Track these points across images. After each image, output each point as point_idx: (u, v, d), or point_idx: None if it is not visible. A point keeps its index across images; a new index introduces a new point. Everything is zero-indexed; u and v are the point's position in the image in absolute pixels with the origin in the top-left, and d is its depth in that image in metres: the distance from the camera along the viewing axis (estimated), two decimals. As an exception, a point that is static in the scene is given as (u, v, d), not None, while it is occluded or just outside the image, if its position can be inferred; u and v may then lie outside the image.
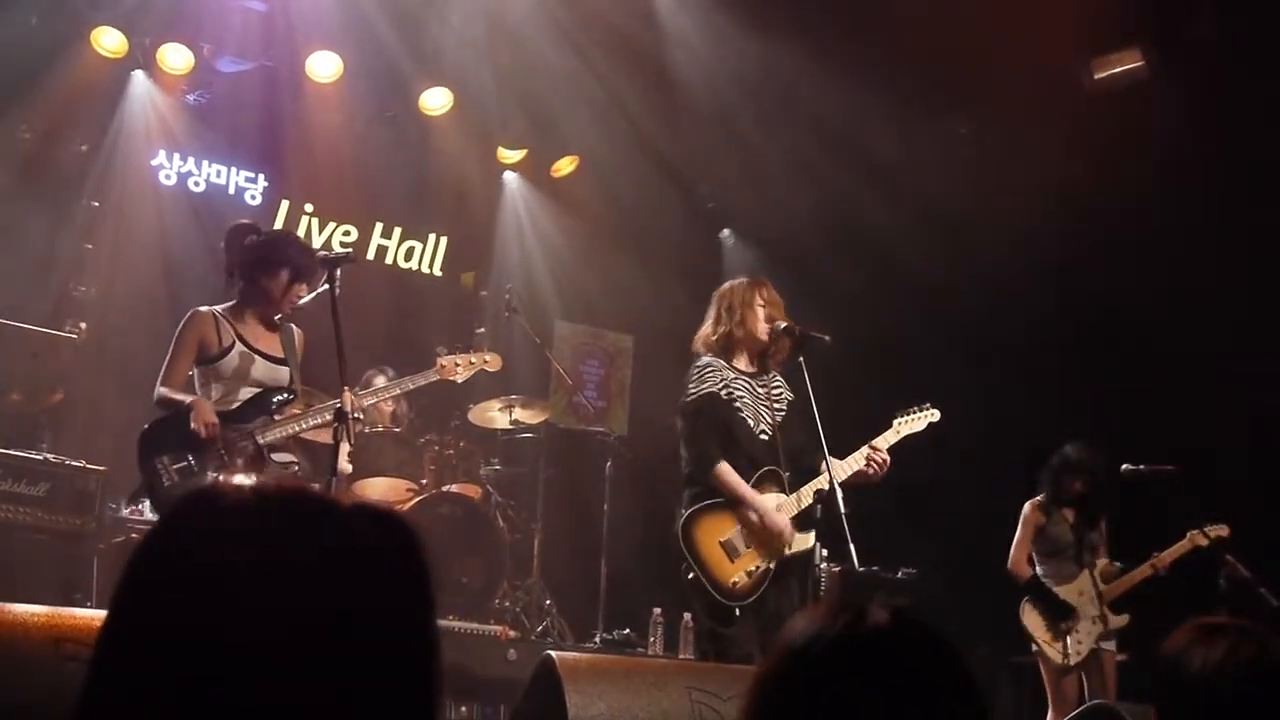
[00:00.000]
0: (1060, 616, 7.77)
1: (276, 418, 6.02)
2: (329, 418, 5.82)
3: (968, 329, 9.86)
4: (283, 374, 6.12)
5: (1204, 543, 7.65)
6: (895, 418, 6.29)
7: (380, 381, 8.91)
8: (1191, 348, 8.79)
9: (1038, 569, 7.96)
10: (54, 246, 9.11)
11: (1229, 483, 8.18)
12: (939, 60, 9.49)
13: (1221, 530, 7.67)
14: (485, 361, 6.58)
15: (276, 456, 6.02)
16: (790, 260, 10.27)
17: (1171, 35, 9.20)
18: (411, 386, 6.52)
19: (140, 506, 6.32)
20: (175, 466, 5.82)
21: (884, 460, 6.07)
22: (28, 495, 7.16)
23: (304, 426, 6.05)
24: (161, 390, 5.96)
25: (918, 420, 6.32)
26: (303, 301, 6.48)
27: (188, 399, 5.91)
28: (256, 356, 6.07)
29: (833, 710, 1.46)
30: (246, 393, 6.04)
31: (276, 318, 6.17)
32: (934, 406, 6.36)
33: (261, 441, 5.95)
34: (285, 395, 6.08)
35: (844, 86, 9.54)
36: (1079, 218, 9.59)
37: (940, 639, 1.50)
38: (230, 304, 6.15)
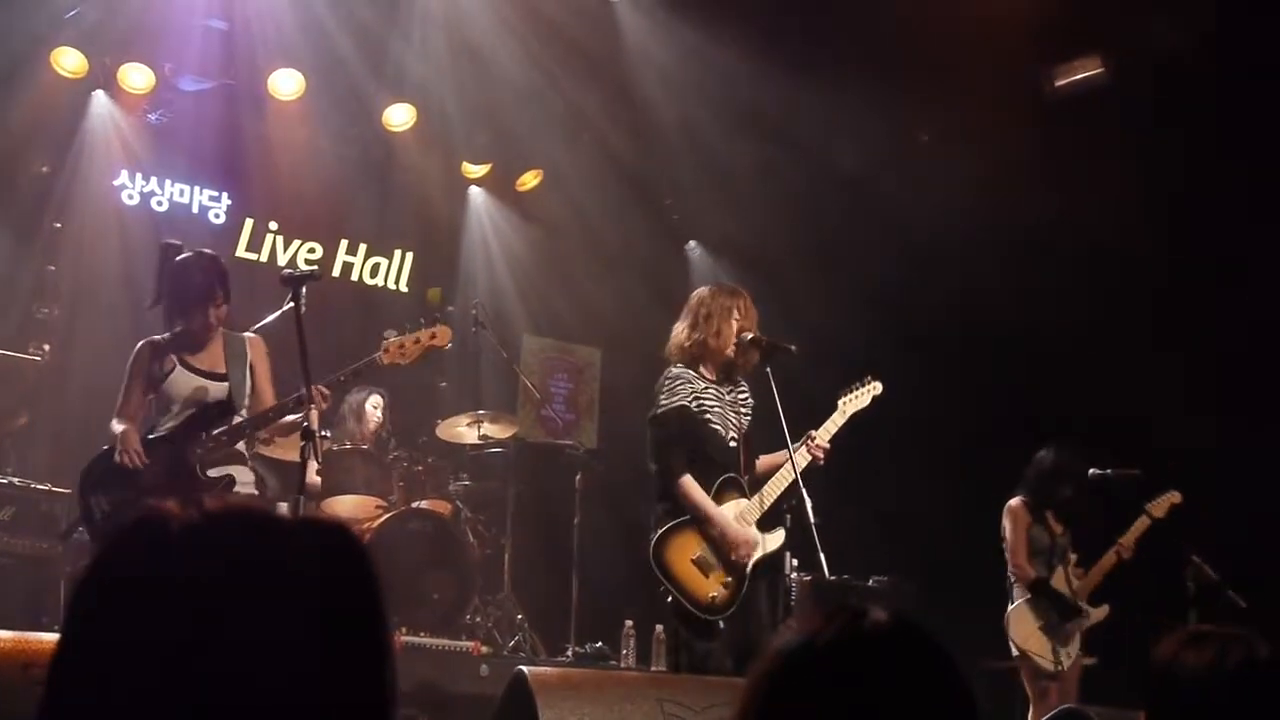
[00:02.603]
0: (1064, 618, 7.82)
1: (211, 433, 6.03)
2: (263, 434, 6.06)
3: (934, 336, 9.91)
4: (222, 389, 6.12)
5: (1161, 515, 7.75)
6: (839, 398, 6.31)
7: (374, 401, 8.90)
8: (1163, 347, 8.85)
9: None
10: (16, 268, 9.06)
11: (1196, 483, 8.23)
12: (900, 69, 9.56)
13: (1174, 497, 7.77)
14: (433, 337, 6.34)
15: (212, 473, 6.01)
16: (756, 270, 10.30)
17: (1132, 41, 9.27)
18: (361, 374, 6.38)
19: (80, 536, 6.29)
20: (109, 499, 5.85)
21: (823, 449, 6.07)
22: (-8, 519, 7.13)
23: (239, 439, 6.06)
24: (112, 423, 6.03)
25: (861, 396, 6.33)
26: (268, 320, 6.49)
27: (117, 429, 5.94)
28: (196, 376, 6.11)
29: (831, 713, 1.46)
30: (188, 413, 6.05)
31: (215, 334, 6.21)
32: (876, 379, 6.38)
33: (193, 461, 5.95)
34: (221, 411, 6.08)
35: (807, 97, 9.58)
36: (1041, 223, 9.65)
37: (938, 642, 1.51)
38: (169, 331, 6.20)
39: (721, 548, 5.95)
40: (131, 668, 1.18)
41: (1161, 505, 7.83)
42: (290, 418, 6.01)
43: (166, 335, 6.20)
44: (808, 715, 1.46)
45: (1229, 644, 2.24)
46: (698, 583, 5.93)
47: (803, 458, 6.00)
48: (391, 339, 6.30)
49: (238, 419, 6.10)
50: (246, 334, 6.33)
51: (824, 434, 6.13)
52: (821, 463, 6.06)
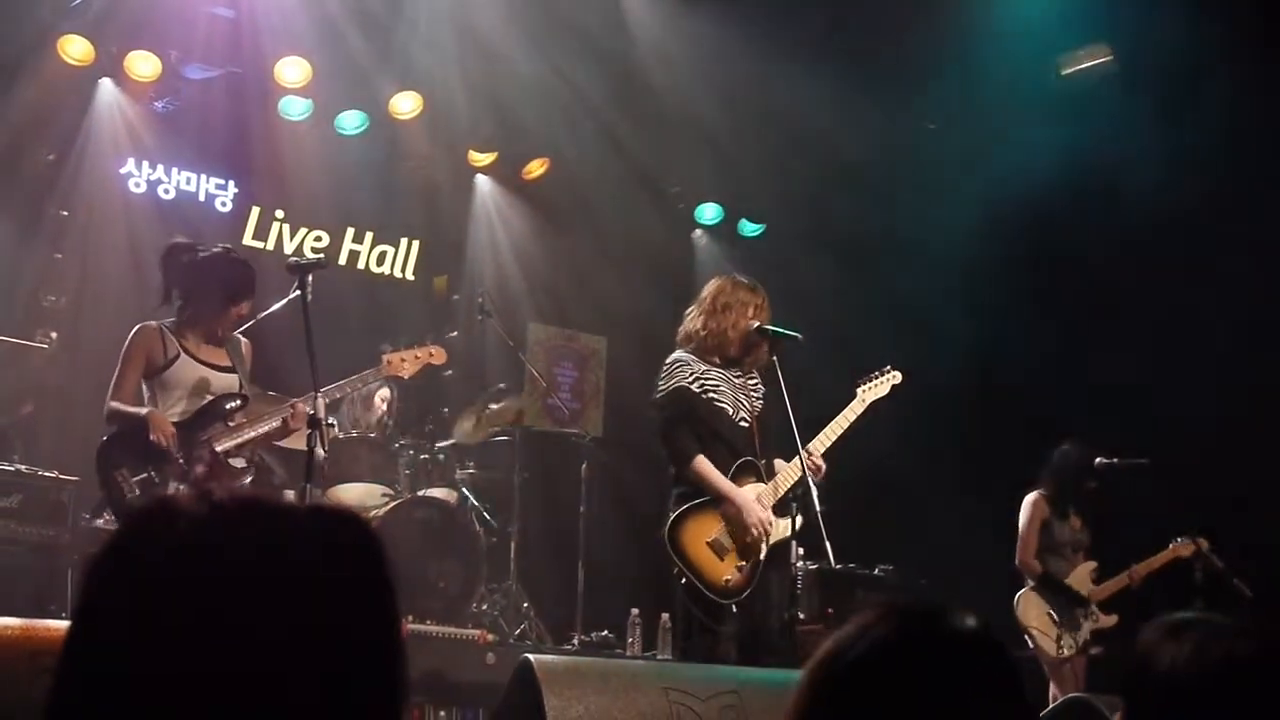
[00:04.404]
0: (1072, 606, 7.87)
1: (230, 424, 6.09)
2: (272, 427, 6.07)
3: (944, 327, 9.90)
4: (232, 381, 6.20)
5: (1187, 554, 7.77)
6: (858, 386, 6.35)
7: (383, 394, 8.91)
8: (1159, 340, 8.85)
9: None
10: (23, 256, 9.05)
11: (1199, 474, 8.23)
12: (908, 57, 9.54)
13: (1202, 543, 7.78)
14: (430, 355, 6.58)
15: (234, 462, 6.07)
16: (762, 258, 10.31)
17: (1140, 30, 9.25)
18: (362, 387, 6.52)
19: (105, 519, 6.32)
20: (136, 478, 5.86)
21: (818, 466, 6.06)
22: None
23: (259, 432, 6.10)
24: (112, 405, 6.03)
25: (881, 385, 6.40)
26: (275, 308, 6.52)
27: (141, 411, 5.97)
28: (202, 366, 6.16)
29: (890, 715, 1.45)
30: (197, 402, 6.08)
31: (220, 334, 6.25)
32: (895, 369, 6.42)
33: (219, 449, 6.00)
34: (236, 402, 6.13)
35: (813, 85, 9.56)
36: (1047, 212, 9.65)
37: (1014, 658, 1.50)
38: (173, 320, 6.23)
39: (738, 529, 5.97)
40: (142, 656, 1.19)
41: (1188, 547, 7.84)
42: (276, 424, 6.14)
43: (169, 322, 6.21)
44: (860, 714, 1.45)
45: (1210, 636, 2.21)
46: (713, 565, 5.94)
47: (795, 470, 6.01)
48: (390, 353, 6.40)
49: (241, 413, 6.17)
50: (240, 337, 6.41)
51: (820, 444, 6.14)
52: (817, 477, 6.02)
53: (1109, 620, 7.90)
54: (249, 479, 6.23)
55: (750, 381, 6.29)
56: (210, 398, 6.13)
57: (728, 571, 5.94)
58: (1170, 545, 7.90)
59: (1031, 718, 1.51)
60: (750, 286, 6.32)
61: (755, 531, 5.95)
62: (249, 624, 1.20)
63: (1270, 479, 8.02)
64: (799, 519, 5.96)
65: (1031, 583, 7.99)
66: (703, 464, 6.01)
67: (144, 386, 6.16)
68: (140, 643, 1.19)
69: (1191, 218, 8.90)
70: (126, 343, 6.16)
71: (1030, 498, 8.08)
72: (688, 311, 6.37)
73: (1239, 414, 8.47)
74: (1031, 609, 7.92)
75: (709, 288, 6.37)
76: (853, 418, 6.27)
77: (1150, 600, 7.74)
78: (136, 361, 6.11)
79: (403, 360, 6.45)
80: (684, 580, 5.95)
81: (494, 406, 9.15)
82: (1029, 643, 7.90)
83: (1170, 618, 2.24)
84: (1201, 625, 2.21)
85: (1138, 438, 8.07)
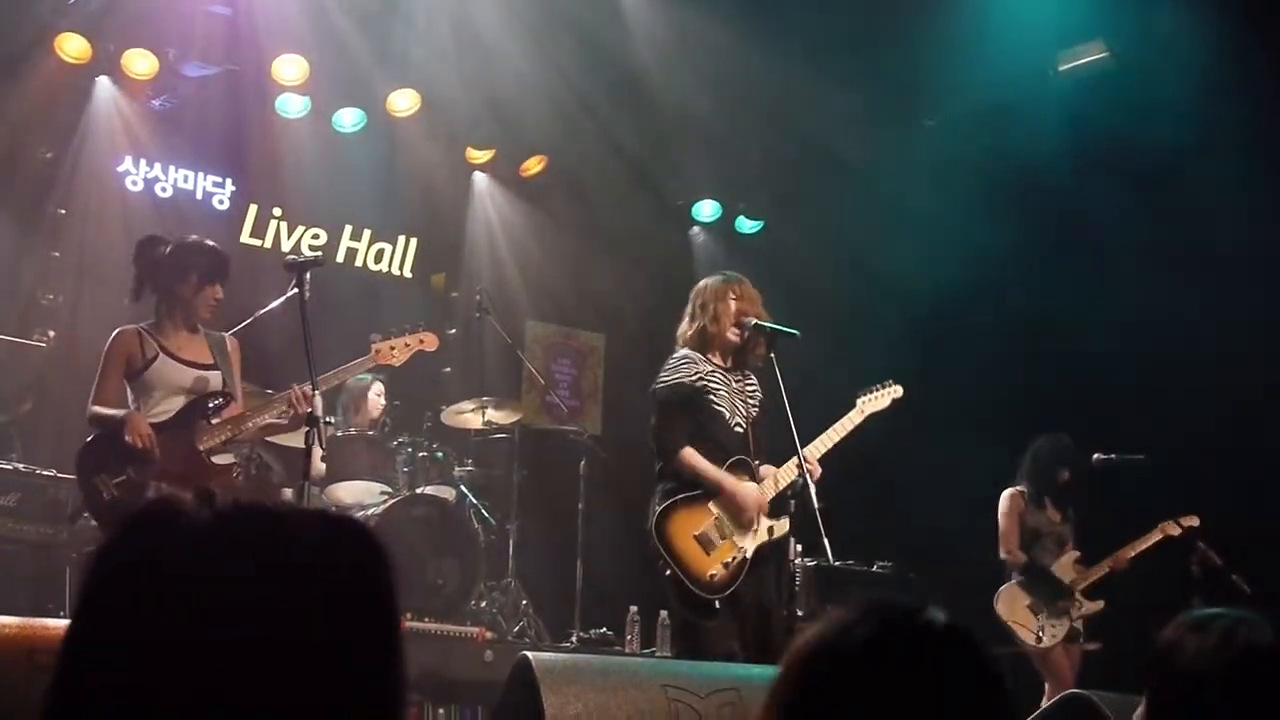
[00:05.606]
0: (1055, 595, 7.88)
1: (213, 422, 6.04)
2: (268, 420, 6.02)
3: (943, 321, 9.90)
4: (214, 379, 6.15)
5: (1176, 533, 7.80)
6: (859, 397, 6.36)
7: (377, 389, 8.90)
8: (1156, 338, 8.85)
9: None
10: (20, 255, 9.05)
11: (1196, 470, 8.24)
12: (906, 54, 9.55)
13: (1193, 520, 7.80)
14: (421, 342, 6.48)
15: (218, 459, 6.04)
16: (760, 255, 10.31)
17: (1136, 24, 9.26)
18: (349, 377, 6.48)
19: (86, 521, 6.29)
20: (115, 481, 5.83)
21: (814, 471, 6.01)
22: (-2, 505, 7.13)
23: (242, 430, 6.07)
24: (93, 409, 6.01)
25: (881, 398, 6.41)
26: (272, 306, 6.50)
27: (119, 413, 5.94)
28: (183, 365, 6.10)
29: (865, 709, 1.45)
30: (179, 401, 6.05)
31: (200, 325, 6.22)
32: (896, 383, 6.44)
33: (201, 447, 5.97)
34: (219, 400, 6.10)
35: (810, 82, 9.57)
36: (1042, 210, 9.66)
37: (979, 643, 1.50)
38: (152, 320, 6.19)
39: (730, 520, 5.96)
40: (142, 658, 1.19)
41: (1176, 527, 7.86)
42: (275, 419, 6.08)
43: (146, 324, 6.18)
44: (841, 709, 1.45)
45: (1233, 629, 2.20)
46: (698, 559, 5.93)
47: (789, 473, 6.01)
48: (379, 342, 6.34)
49: (231, 410, 6.14)
50: (225, 334, 6.36)
51: (815, 450, 6.11)
52: (814, 479, 5.99)
53: (1094, 606, 7.93)
54: (236, 476, 6.20)
55: (749, 387, 6.28)
56: (192, 397, 6.11)
57: (713, 566, 5.92)
58: (1159, 525, 7.92)
59: (1011, 712, 1.49)
60: (726, 278, 6.36)
61: (751, 514, 5.95)
62: (249, 626, 1.20)
63: (1271, 475, 8.03)
64: (792, 514, 5.95)
65: (1014, 577, 8.01)
66: (691, 455, 5.99)
67: (127, 389, 6.15)
68: (140, 644, 1.19)
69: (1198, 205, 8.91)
70: (105, 348, 6.12)
71: (1006, 493, 8.16)
72: (681, 325, 6.39)
73: (1239, 411, 8.47)
74: (1010, 603, 7.94)
75: (692, 293, 6.41)
76: (850, 427, 6.28)
77: (1147, 595, 7.73)
78: (116, 365, 6.07)
79: (393, 349, 6.37)
80: (668, 572, 5.93)
81: (492, 411, 9.16)
82: (1013, 639, 7.90)
83: (1194, 613, 2.24)
84: (1225, 618, 2.21)
85: (1139, 435, 8.08)
